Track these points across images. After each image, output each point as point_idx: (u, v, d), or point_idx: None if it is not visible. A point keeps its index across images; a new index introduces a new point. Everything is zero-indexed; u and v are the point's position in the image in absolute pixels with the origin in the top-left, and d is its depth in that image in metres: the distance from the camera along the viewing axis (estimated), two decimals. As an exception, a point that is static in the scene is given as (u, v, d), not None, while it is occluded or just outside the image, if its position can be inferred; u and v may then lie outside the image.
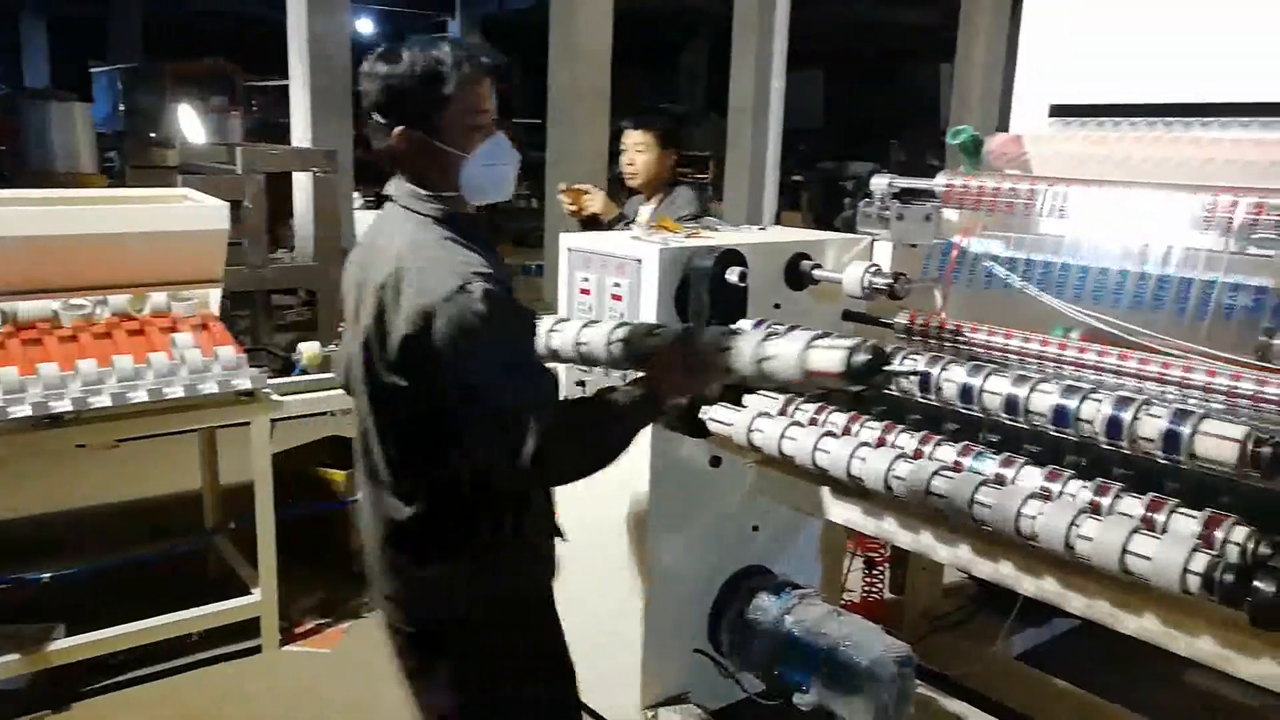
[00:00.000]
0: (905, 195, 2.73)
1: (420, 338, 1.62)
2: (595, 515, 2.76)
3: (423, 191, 1.78)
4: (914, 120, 15.64)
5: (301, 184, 7.43)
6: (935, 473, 2.04)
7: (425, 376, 1.65)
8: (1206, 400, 1.96)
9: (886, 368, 1.78)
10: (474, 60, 1.75)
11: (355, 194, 10.61)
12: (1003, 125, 2.89)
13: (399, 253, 1.70)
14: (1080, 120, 2.68)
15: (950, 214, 2.72)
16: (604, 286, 2.71)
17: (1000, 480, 2.01)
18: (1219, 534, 1.72)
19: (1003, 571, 2.13)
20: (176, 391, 3.17)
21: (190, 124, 10.41)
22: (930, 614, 3.38)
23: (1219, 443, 1.69)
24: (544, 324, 2.24)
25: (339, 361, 2.17)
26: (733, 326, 2.37)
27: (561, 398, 1.82)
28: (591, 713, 3.06)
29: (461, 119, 1.76)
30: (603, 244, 2.78)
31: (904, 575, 3.44)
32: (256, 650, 3.49)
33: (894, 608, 3.44)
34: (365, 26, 17.98)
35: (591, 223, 3.68)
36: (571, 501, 2.98)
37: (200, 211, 3.61)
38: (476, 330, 1.61)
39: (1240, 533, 1.72)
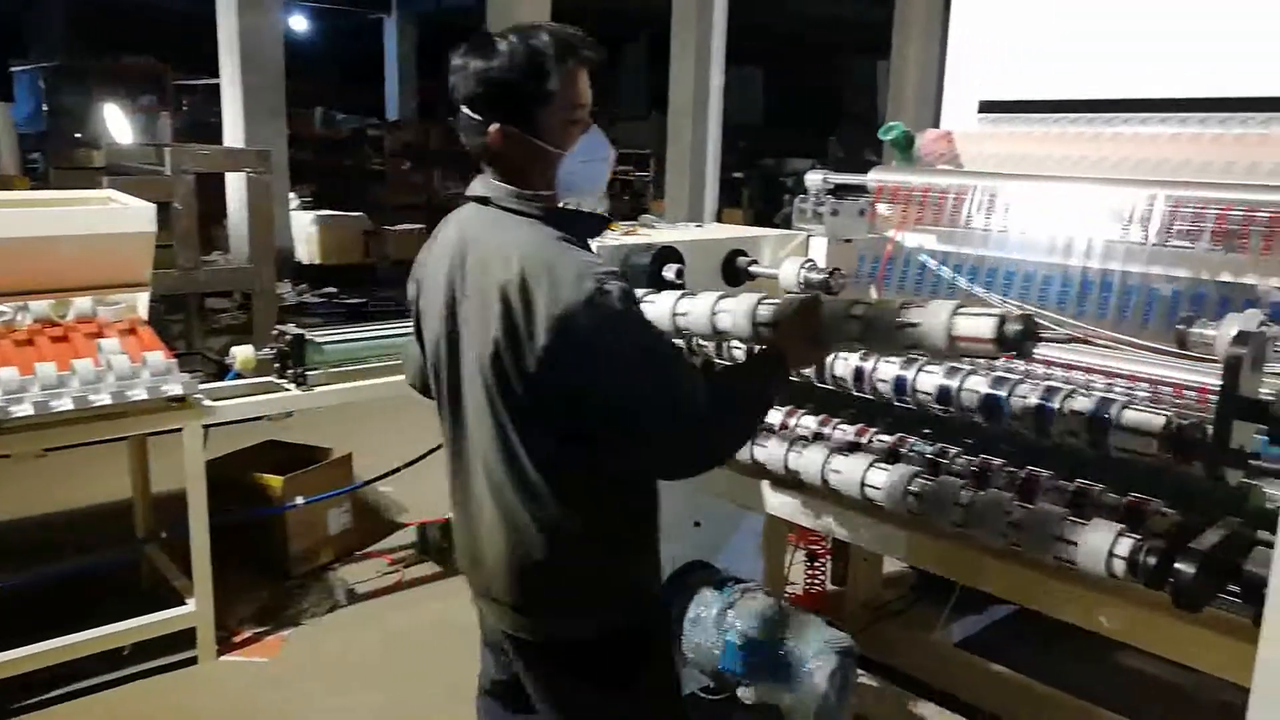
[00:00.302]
0: (840, 191, 2.76)
1: (562, 345, 1.57)
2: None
3: (525, 191, 1.70)
4: (852, 116, 15.84)
5: (235, 185, 7.30)
6: (871, 465, 2.06)
7: (570, 381, 1.60)
8: (1131, 389, 2.01)
9: (1036, 335, 1.74)
10: (577, 52, 1.67)
11: (291, 195, 10.46)
12: (937, 121, 2.94)
13: (520, 256, 1.61)
14: (1008, 116, 2.73)
15: (884, 209, 2.75)
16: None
17: (934, 471, 2.04)
18: (1142, 519, 1.76)
19: (942, 561, 2.17)
20: (104, 399, 3.09)
21: (117, 124, 10.16)
22: (871, 604, 3.43)
23: (1142, 431, 1.73)
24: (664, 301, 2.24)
25: (410, 360, 2.05)
26: (857, 296, 2.32)
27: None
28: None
29: (562, 114, 1.68)
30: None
31: (845, 567, 3.48)
32: (193, 661, 3.41)
33: (836, 599, 3.48)
34: (299, 24, 17.67)
35: None
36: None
37: (125, 213, 3.52)
38: (622, 330, 1.58)
39: (1162, 517, 1.77)
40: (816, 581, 3.48)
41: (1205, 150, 2.18)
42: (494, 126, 1.66)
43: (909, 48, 9.57)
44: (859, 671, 2.75)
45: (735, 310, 2.06)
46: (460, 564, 1.93)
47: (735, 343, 2.38)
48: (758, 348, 1.98)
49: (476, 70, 1.65)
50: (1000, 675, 3.10)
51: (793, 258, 2.64)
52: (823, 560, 3.46)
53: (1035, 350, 1.79)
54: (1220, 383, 1.60)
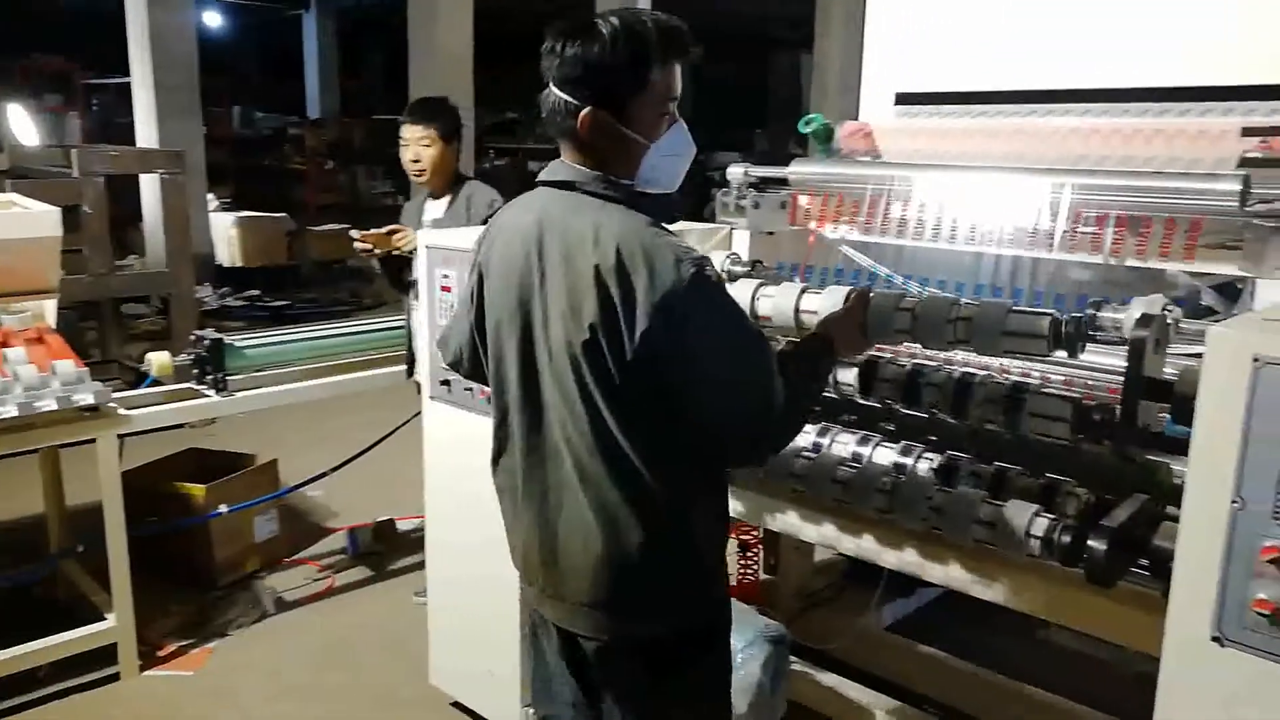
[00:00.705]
0: (762, 184, 2.78)
1: (664, 329, 1.55)
2: (472, 515, 2.72)
3: (611, 177, 1.68)
4: (778, 109, 15.97)
5: (150, 187, 7.08)
6: (797, 455, 2.08)
7: (671, 366, 1.58)
8: (1045, 374, 2.06)
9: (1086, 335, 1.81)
10: (679, 44, 1.65)
11: (210, 196, 10.19)
12: (857, 114, 2.97)
13: (616, 239, 1.59)
14: (925, 108, 2.78)
15: (805, 202, 2.77)
16: (466, 283, 2.67)
17: (857, 459, 2.07)
18: (1057, 499, 1.81)
19: (865, 546, 2.21)
20: (10, 411, 2.97)
21: (21, 125, 9.78)
22: (803, 591, 3.46)
23: (1053, 418, 1.78)
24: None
25: (454, 336, 1.99)
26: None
27: None
28: (471, 713, 3.03)
29: (656, 106, 1.66)
30: (463, 240, 2.74)
31: (777, 556, 3.51)
32: (115, 678, 3.30)
33: (769, 588, 3.51)
34: (212, 19, 17.19)
35: (397, 261, 3.58)
36: (451, 500, 2.97)
37: (28, 218, 3.39)
38: (721, 315, 1.60)
39: (1075, 496, 1.82)
40: (749, 572, 3.51)
41: (1110, 143, 2.23)
42: (586, 110, 1.63)
43: (831, 40, 9.69)
44: (792, 659, 2.79)
45: (778, 297, 2.08)
46: (526, 564, 1.84)
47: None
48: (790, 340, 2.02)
49: (577, 53, 1.61)
50: (930, 657, 3.16)
51: (715, 250, 2.65)
52: (755, 550, 3.48)
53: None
54: (1126, 364, 1.65)
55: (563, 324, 1.64)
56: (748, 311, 2.21)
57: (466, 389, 2.72)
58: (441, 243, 2.77)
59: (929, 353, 2.24)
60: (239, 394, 3.64)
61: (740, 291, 2.30)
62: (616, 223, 1.61)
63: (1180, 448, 1.65)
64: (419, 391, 3.07)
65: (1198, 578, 1.49)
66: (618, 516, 1.65)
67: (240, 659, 3.49)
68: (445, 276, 2.74)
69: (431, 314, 2.81)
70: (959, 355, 2.22)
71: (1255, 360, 1.40)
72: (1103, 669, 3.18)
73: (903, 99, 2.82)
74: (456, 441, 2.80)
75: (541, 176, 1.75)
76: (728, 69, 18.87)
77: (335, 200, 13.87)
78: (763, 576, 3.53)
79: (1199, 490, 1.48)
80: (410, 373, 3.77)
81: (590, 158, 1.69)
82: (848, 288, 2.11)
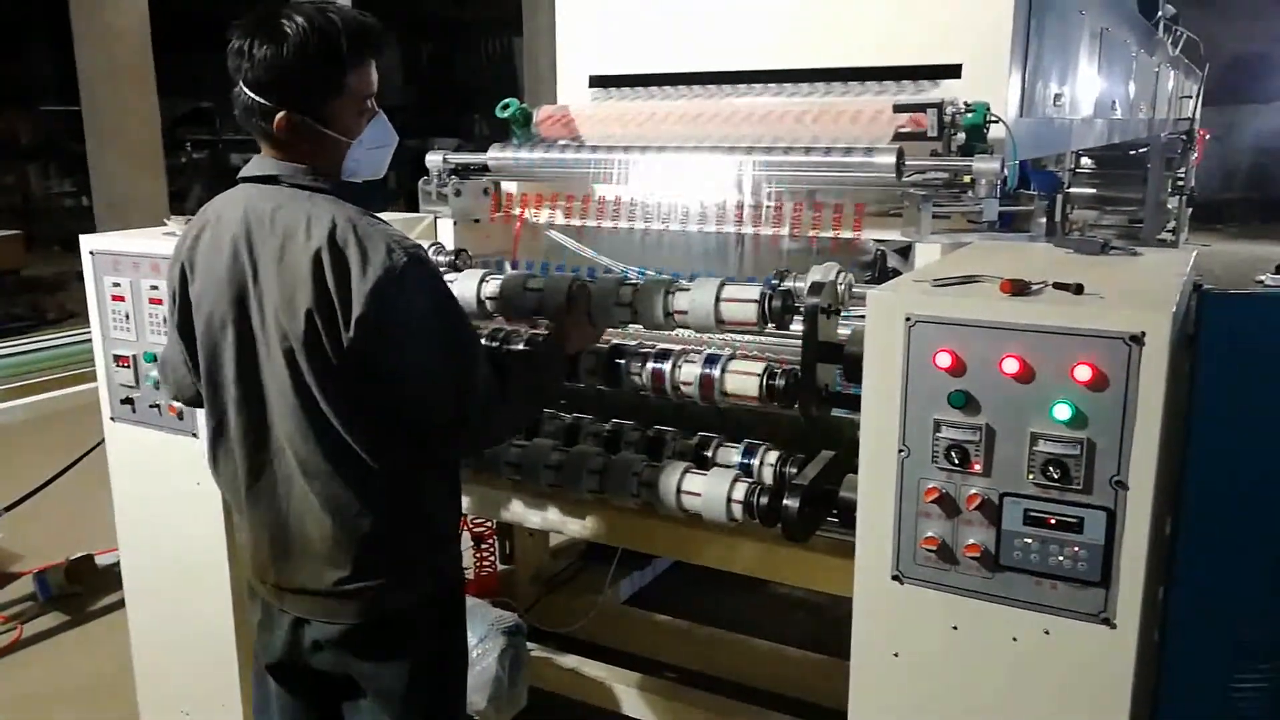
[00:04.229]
0: (465, 171, 2.72)
1: (377, 315, 1.56)
2: (172, 541, 2.50)
3: (315, 169, 1.68)
4: (495, 93, 15.86)
5: None
6: (509, 444, 2.07)
7: (384, 351, 1.59)
8: (739, 345, 2.16)
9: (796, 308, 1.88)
10: (370, 42, 1.65)
11: None
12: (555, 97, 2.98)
13: (329, 227, 1.59)
14: (617, 90, 2.82)
15: (510, 187, 2.75)
16: (141, 291, 2.43)
17: (571, 441, 2.08)
18: (755, 462, 1.90)
19: (587, 527, 2.23)
20: None
21: None
22: (542, 577, 3.47)
23: (743, 379, 1.86)
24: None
25: (170, 367, 1.92)
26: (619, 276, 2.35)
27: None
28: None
29: (353, 105, 1.68)
30: (135, 244, 2.48)
31: (512, 544, 3.49)
32: None
33: (508, 577, 3.48)
34: None
35: None
36: (148, 529, 2.70)
37: None
38: (433, 303, 1.62)
39: (771, 458, 1.92)
40: (487, 564, 3.46)
41: (783, 123, 2.36)
42: (281, 115, 1.62)
43: (538, 22, 9.73)
44: (531, 645, 2.78)
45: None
46: (257, 562, 1.81)
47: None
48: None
49: (266, 56, 1.59)
50: (666, 624, 3.27)
51: (420, 240, 2.56)
52: (490, 542, 3.44)
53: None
54: (803, 330, 1.75)
55: (278, 318, 1.63)
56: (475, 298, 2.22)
57: (152, 406, 2.48)
58: (109, 247, 2.50)
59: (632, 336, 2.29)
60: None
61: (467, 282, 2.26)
62: (327, 213, 1.62)
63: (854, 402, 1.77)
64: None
65: (876, 522, 1.61)
66: (347, 505, 1.67)
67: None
68: (117, 285, 2.47)
69: (104, 325, 2.53)
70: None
71: (908, 319, 1.53)
72: (818, 612, 3.42)
73: (596, 81, 2.85)
74: (147, 463, 2.55)
75: (244, 173, 1.73)
76: (440, 54, 18.56)
77: (4, 203, 12.32)
78: (500, 567, 3.50)
79: (871, 442, 1.60)
80: None
81: (290, 155, 1.69)
82: (525, 274, 2.16)
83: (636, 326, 2.07)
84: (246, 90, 1.63)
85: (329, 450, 1.65)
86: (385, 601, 1.74)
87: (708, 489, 1.85)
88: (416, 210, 2.77)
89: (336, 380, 1.61)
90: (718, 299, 1.90)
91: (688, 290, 1.94)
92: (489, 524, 3.42)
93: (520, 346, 2.14)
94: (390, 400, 1.64)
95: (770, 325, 1.89)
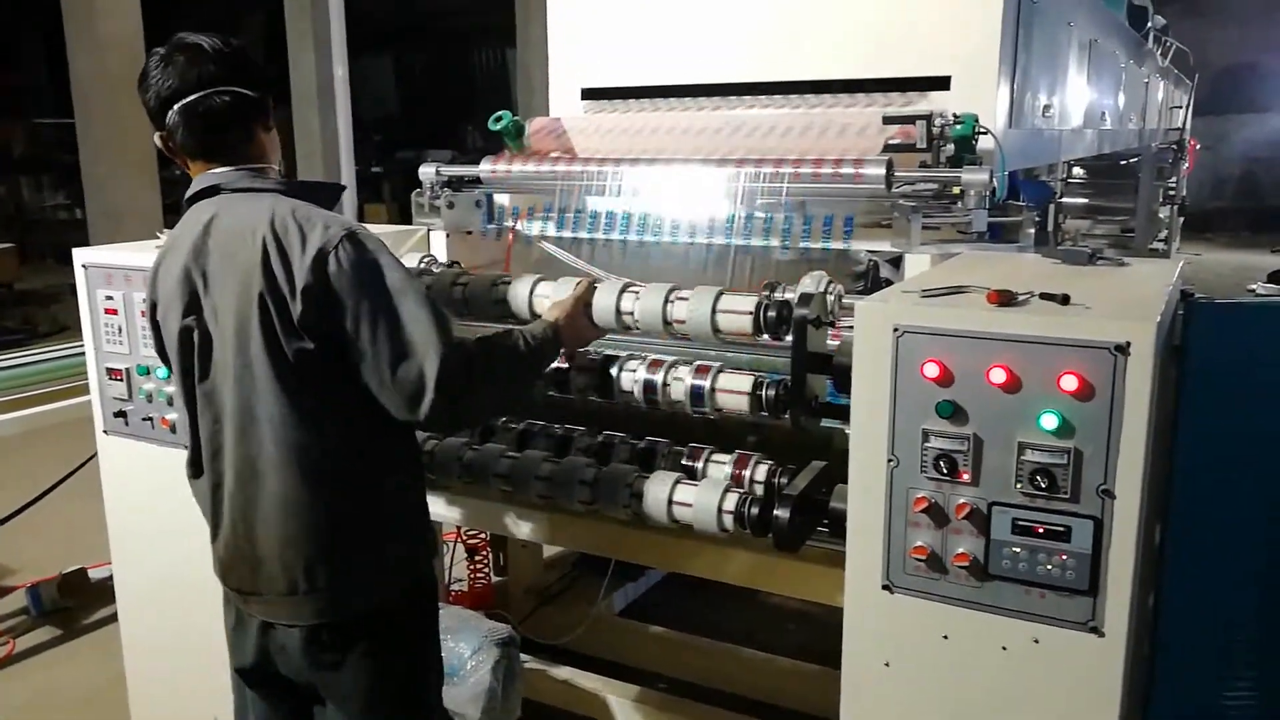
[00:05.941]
0: (458, 183, 2.73)
1: (322, 285, 1.62)
2: (165, 554, 2.49)
3: (259, 167, 1.79)
4: (488, 105, 15.88)
5: None
6: (500, 455, 2.07)
7: (334, 321, 1.63)
8: (730, 355, 2.16)
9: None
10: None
11: None
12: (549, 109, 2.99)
13: (271, 214, 1.67)
14: (610, 102, 2.84)
15: (503, 199, 2.76)
16: (134, 305, 2.43)
17: (561, 452, 2.08)
18: (746, 473, 1.90)
19: (580, 538, 2.23)
20: None
21: None
22: (536, 588, 3.47)
23: (735, 397, 1.87)
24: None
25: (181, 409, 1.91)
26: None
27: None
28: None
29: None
30: (128, 257, 2.49)
31: (506, 557, 3.49)
32: None
33: (502, 589, 3.48)
34: None
35: None
36: (141, 541, 2.69)
37: None
38: (377, 267, 1.65)
39: (762, 469, 1.92)
40: (480, 576, 3.46)
41: (773, 135, 2.37)
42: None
43: (531, 35, 9.76)
44: (525, 657, 2.78)
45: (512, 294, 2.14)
46: (227, 569, 1.84)
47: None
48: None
49: (223, 49, 1.75)
50: (659, 635, 3.27)
51: (412, 253, 2.58)
52: (484, 554, 3.45)
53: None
54: (792, 340, 1.76)
55: (237, 307, 1.68)
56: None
57: (146, 419, 2.49)
58: (102, 260, 2.51)
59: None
60: None
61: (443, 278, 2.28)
62: (270, 205, 1.71)
63: (844, 413, 1.78)
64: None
65: (866, 532, 1.62)
66: (305, 506, 1.70)
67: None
68: (110, 299, 2.48)
69: (96, 339, 2.54)
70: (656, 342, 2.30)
71: (896, 330, 1.53)
72: (809, 621, 3.41)
73: (588, 94, 2.86)
74: (140, 476, 2.56)
75: (191, 191, 1.79)
76: (434, 64, 18.58)
77: (-5, 214, 12.32)
78: (494, 579, 3.50)
79: (860, 452, 1.61)
80: None
81: (237, 157, 1.78)
82: (535, 275, 2.17)
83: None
84: (233, 89, 1.74)
85: (286, 451, 1.68)
86: (346, 603, 1.76)
87: (699, 500, 1.85)
88: (409, 222, 2.78)
89: (296, 368, 1.66)
90: (714, 310, 1.91)
91: (687, 300, 1.94)
92: (483, 536, 3.42)
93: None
94: (351, 387, 1.66)
95: (765, 336, 1.90)
